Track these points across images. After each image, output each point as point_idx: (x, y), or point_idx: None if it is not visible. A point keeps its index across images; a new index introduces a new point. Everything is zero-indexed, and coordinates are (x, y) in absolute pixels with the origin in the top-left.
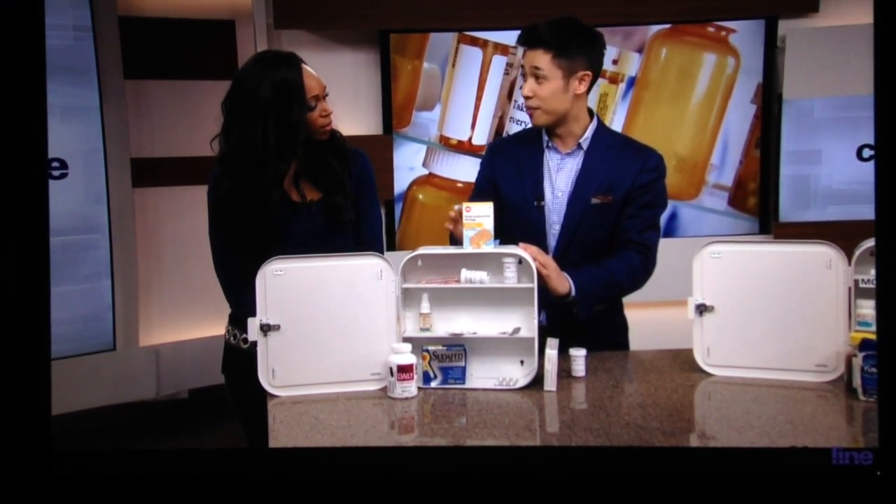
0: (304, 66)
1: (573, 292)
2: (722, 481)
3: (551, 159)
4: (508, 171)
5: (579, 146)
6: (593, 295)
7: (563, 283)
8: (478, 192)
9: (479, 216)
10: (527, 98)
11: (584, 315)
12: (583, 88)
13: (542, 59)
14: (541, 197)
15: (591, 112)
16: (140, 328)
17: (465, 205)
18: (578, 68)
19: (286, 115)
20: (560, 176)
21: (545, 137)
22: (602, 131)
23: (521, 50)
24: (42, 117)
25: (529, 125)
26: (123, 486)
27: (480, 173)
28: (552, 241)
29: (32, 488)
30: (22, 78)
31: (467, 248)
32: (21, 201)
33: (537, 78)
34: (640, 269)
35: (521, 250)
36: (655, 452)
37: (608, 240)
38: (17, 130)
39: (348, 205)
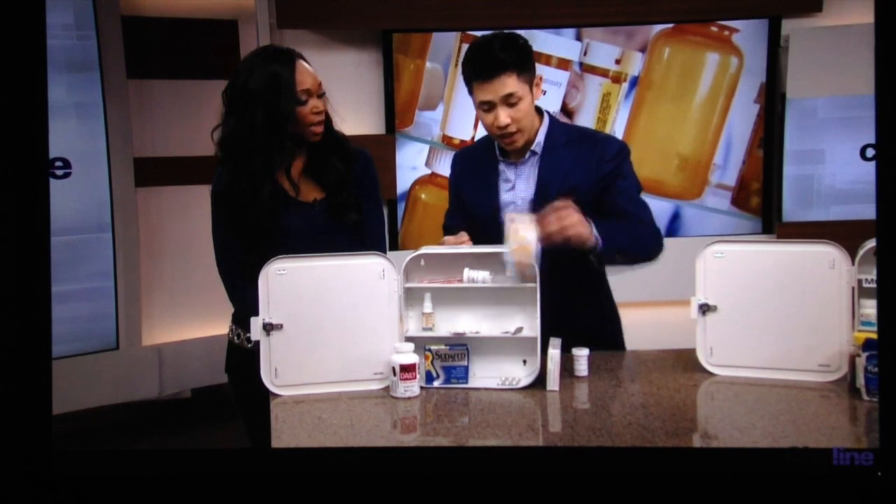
0: (300, 62)
1: (598, 240)
2: (723, 481)
3: (507, 169)
4: (468, 182)
5: (532, 152)
6: (616, 245)
7: (586, 226)
8: (451, 201)
9: (522, 230)
10: (504, 128)
11: (601, 266)
12: (540, 93)
13: (511, 83)
14: (498, 208)
15: (539, 111)
16: (143, 327)
17: (509, 216)
18: (533, 76)
19: (274, 106)
20: (520, 183)
21: (497, 149)
22: (555, 129)
23: (479, 86)
24: (43, 116)
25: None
26: (124, 485)
27: (449, 185)
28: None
29: (33, 488)
30: (23, 77)
31: (510, 268)
32: (22, 200)
33: (511, 104)
34: (652, 232)
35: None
36: (657, 452)
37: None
38: (17, 129)
39: (351, 205)
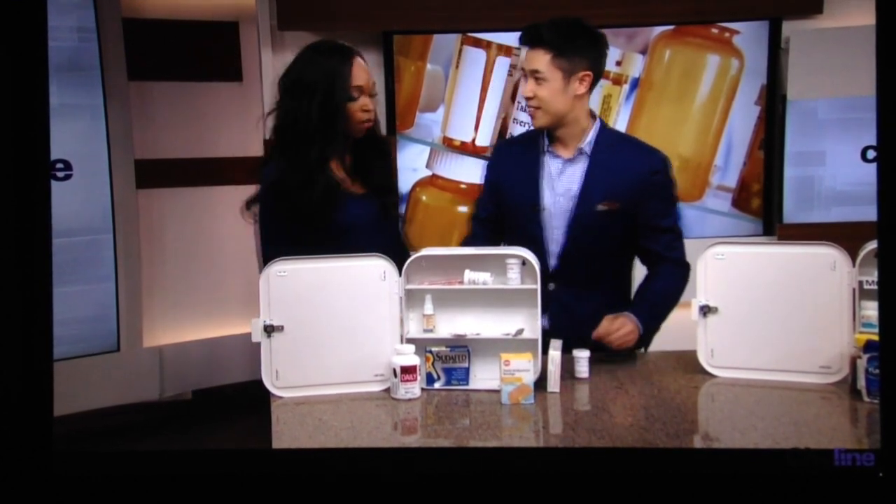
0: (357, 58)
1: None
2: (724, 482)
3: (552, 164)
4: (508, 173)
5: (581, 151)
6: (654, 326)
7: (636, 334)
8: (485, 191)
9: (519, 370)
10: (528, 99)
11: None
12: (583, 89)
13: (542, 60)
14: (537, 202)
15: (592, 114)
16: (144, 329)
17: (503, 358)
18: (579, 69)
19: (329, 98)
20: (561, 181)
21: (545, 142)
22: (605, 134)
23: (523, 50)
24: (44, 118)
25: (532, 127)
26: (124, 486)
27: (486, 174)
28: (554, 247)
29: (34, 489)
30: (24, 78)
31: (505, 397)
32: (23, 202)
33: (537, 79)
34: (682, 281)
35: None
36: (658, 453)
37: (610, 247)
38: (19, 131)
39: (394, 202)
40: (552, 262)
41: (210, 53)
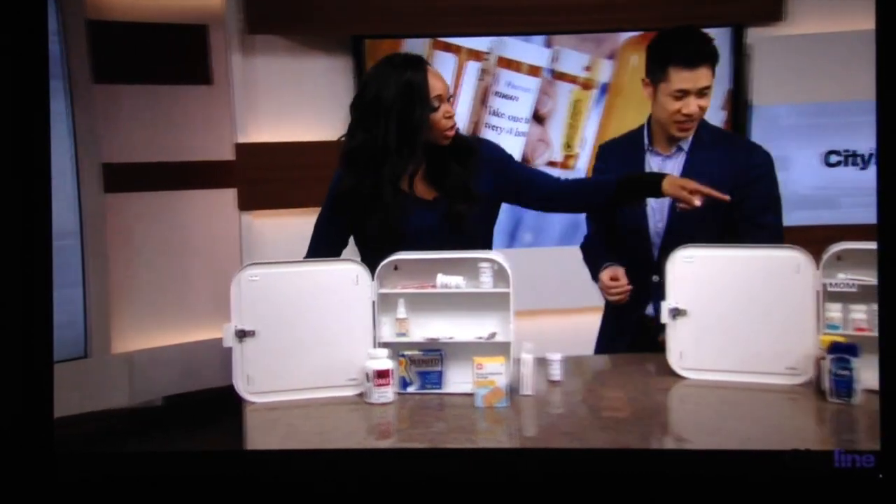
0: (430, 67)
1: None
2: (723, 483)
3: (652, 161)
4: (616, 171)
5: (680, 148)
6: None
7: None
8: None
9: (492, 374)
10: (690, 116)
11: None
12: None
13: (708, 76)
14: None
15: None
16: (113, 335)
17: (476, 362)
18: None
19: (408, 115)
20: None
21: (646, 140)
22: (703, 129)
23: (678, 71)
24: (45, 118)
25: (505, 130)
26: (124, 486)
27: (593, 172)
28: (657, 240)
29: (35, 489)
30: (25, 81)
31: (479, 400)
32: (25, 203)
33: (702, 95)
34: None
35: None
36: (657, 454)
37: (710, 240)
38: (19, 133)
39: (466, 211)
40: (655, 253)
41: (178, 56)
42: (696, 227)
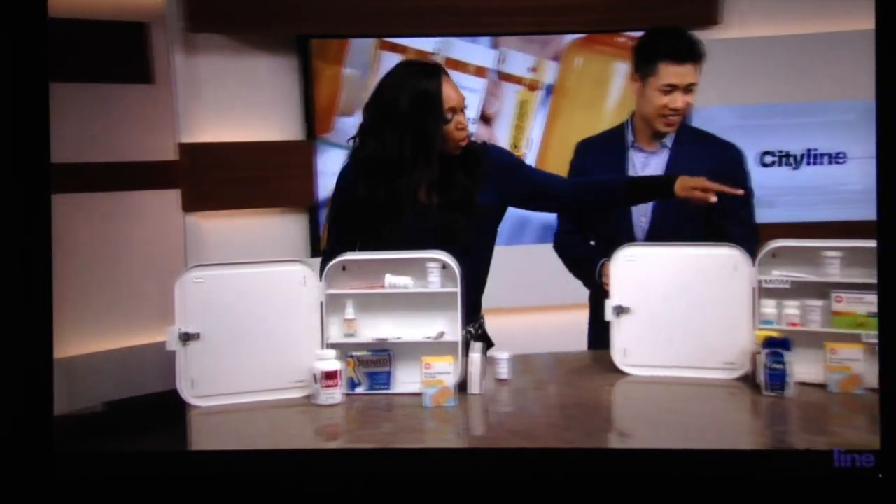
0: (445, 77)
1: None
2: (723, 483)
3: (636, 157)
4: (595, 169)
5: (663, 144)
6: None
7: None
8: None
9: (440, 373)
10: (676, 110)
11: None
12: None
13: (694, 73)
14: None
15: None
16: (53, 340)
17: (424, 361)
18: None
19: (423, 126)
20: (647, 172)
21: (630, 137)
22: (682, 127)
23: (670, 66)
24: (45, 118)
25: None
26: (124, 487)
27: (570, 170)
28: (641, 235)
29: (35, 488)
30: (25, 81)
31: (427, 400)
32: (25, 203)
33: (687, 91)
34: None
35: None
36: (656, 454)
37: (692, 233)
38: (20, 133)
39: (467, 222)
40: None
41: (119, 55)
42: (678, 224)
